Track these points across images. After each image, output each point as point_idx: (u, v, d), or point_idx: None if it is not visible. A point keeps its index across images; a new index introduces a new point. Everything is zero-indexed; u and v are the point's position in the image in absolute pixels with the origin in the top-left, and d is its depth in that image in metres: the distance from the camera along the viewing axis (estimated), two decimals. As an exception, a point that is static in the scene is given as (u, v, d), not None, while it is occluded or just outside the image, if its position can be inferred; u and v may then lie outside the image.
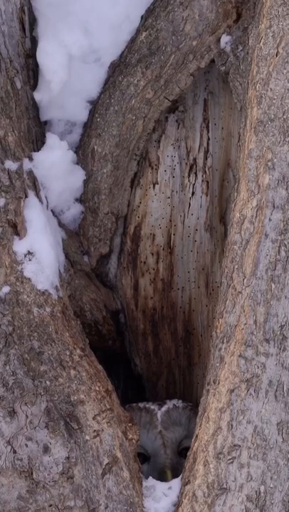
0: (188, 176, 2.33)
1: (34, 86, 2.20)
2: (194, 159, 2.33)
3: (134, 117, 2.22)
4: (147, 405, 2.09)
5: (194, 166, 2.33)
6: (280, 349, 1.92)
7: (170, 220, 2.33)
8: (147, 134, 2.26)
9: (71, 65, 2.20)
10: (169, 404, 2.10)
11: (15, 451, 1.90)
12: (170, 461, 2.05)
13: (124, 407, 2.06)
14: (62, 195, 2.19)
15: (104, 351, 2.29)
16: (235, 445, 1.92)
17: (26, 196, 1.99)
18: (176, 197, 2.33)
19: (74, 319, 2.03)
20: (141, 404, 2.10)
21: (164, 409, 2.09)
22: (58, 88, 2.19)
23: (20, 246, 1.97)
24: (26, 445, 1.90)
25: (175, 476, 2.01)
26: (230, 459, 1.92)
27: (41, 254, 1.98)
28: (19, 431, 1.90)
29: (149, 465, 2.07)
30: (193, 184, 2.33)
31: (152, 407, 2.09)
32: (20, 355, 1.93)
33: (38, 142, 2.18)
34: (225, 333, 1.97)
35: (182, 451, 2.07)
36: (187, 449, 2.04)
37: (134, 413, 2.08)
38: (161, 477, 2.03)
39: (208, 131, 2.32)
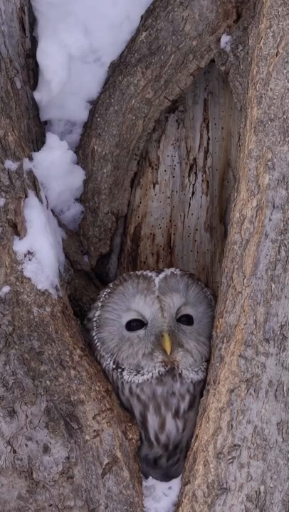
0: (188, 175, 2.33)
1: (34, 86, 2.20)
2: (194, 159, 2.33)
3: (134, 117, 2.22)
4: (144, 272, 2.05)
5: (194, 166, 2.33)
6: (280, 349, 1.92)
7: (170, 220, 2.33)
8: (147, 133, 2.26)
9: (71, 65, 2.20)
10: (167, 271, 2.05)
11: (15, 451, 1.90)
12: (168, 325, 1.99)
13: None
14: (62, 195, 2.19)
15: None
16: (235, 445, 1.92)
17: (26, 196, 1.99)
18: (176, 197, 2.33)
19: (74, 319, 2.03)
20: (138, 272, 2.06)
21: (161, 275, 2.04)
22: (57, 88, 2.19)
23: (20, 246, 1.97)
24: (26, 445, 1.90)
25: (173, 341, 1.98)
26: (230, 459, 1.92)
27: (41, 254, 1.98)
28: (19, 431, 1.90)
29: (146, 331, 2.02)
30: (193, 184, 2.33)
31: (150, 274, 2.04)
32: (21, 355, 1.93)
33: (38, 142, 2.18)
34: (225, 333, 1.97)
35: (181, 318, 2.03)
36: (186, 316, 2.02)
37: (132, 280, 2.05)
38: (159, 342, 1.99)
39: (208, 131, 2.33)
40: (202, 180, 2.33)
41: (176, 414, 2.00)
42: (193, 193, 2.33)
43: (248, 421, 1.92)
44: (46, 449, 1.90)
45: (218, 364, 1.96)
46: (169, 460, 2.04)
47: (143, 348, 2.00)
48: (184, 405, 2.00)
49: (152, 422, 2.00)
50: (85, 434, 1.93)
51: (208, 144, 2.33)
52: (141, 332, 2.01)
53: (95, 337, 2.03)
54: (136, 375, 1.99)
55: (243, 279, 1.96)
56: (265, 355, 1.92)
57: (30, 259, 1.97)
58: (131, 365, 2.00)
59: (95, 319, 2.05)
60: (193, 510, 1.93)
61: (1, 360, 1.92)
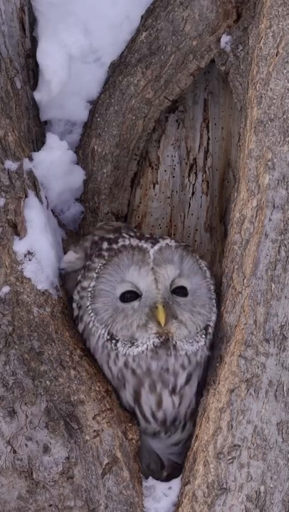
0: (188, 175, 2.33)
1: (34, 86, 2.20)
2: (194, 159, 2.33)
3: (134, 117, 2.22)
4: (140, 244, 2.04)
5: (194, 166, 2.33)
6: (280, 349, 1.92)
7: (170, 220, 2.33)
8: (147, 133, 2.26)
9: (71, 65, 2.20)
10: (162, 242, 2.05)
11: (15, 451, 1.90)
12: (162, 296, 1.99)
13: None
14: (62, 195, 2.19)
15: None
16: (235, 445, 1.92)
17: (26, 196, 1.99)
18: (176, 197, 2.33)
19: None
20: (134, 243, 2.05)
21: (156, 247, 2.03)
22: (57, 88, 2.19)
23: (20, 246, 1.97)
24: (26, 445, 1.90)
25: (167, 313, 1.97)
26: (230, 459, 1.92)
27: (41, 254, 1.98)
28: (19, 431, 1.90)
29: (140, 302, 2.01)
30: (193, 184, 2.33)
31: (145, 245, 2.03)
32: (21, 355, 1.93)
33: (38, 142, 2.18)
34: (225, 333, 1.97)
35: (175, 290, 2.02)
36: (180, 287, 2.01)
37: (127, 252, 2.04)
38: (153, 313, 1.98)
39: (208, 131, 2.32)
40: (202, 180, 2.33)
41: (172, 392, 1.99)
42: (193, 193, 2.33)
43: (248, 421, 1.92)
44: (46, 449, 1.90)
45: (218, 364, 1.96)
46: (168, 433, 2.04)
47: (137, 319, 1.99)
48: (180, 382, 1.99)
49: (147, 399, 1.99)
50: (85, 434, 1.93)
51: (208, 143, 2.33)
52: (135, 303, 2.01)
53: (89, 307, 2.02)
54: (130, 346, 1.98)
55: (243, 279, 1.96)
56: (265, 355, 1.92)
57: (30, 259, 1.97)
58: (125, 336, 1.99)
59: (90, 289, 2.03)
60: (193, 511, 1.93)
61: (1, 360, 1.92)
